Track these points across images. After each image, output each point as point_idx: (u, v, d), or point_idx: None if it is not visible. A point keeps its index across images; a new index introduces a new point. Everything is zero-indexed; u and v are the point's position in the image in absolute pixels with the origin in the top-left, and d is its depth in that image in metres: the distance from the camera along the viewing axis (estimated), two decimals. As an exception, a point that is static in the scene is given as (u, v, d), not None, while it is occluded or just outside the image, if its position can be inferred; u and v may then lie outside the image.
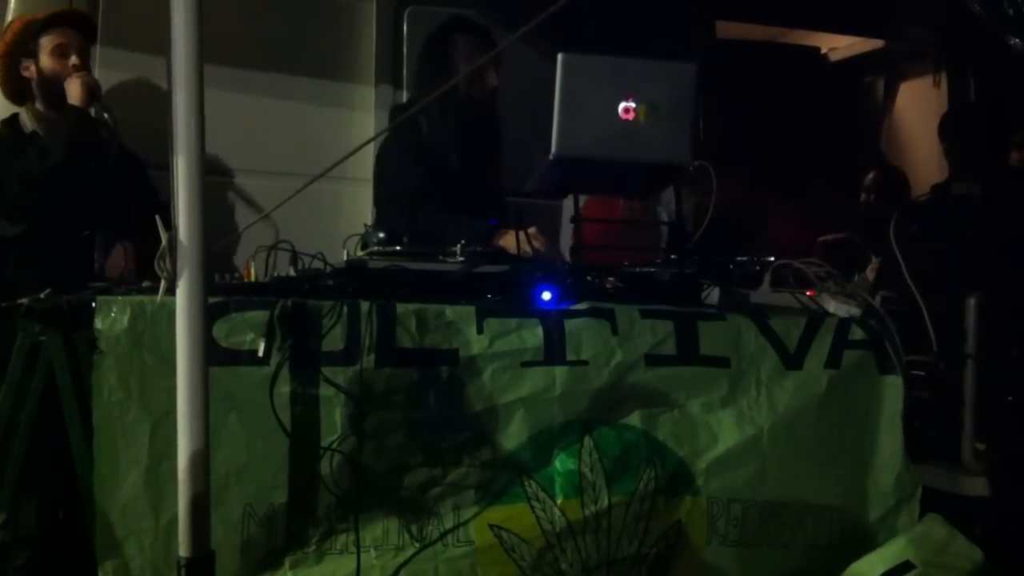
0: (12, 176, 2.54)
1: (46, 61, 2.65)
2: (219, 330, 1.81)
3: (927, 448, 2.24)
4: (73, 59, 2.64)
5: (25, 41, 2.66)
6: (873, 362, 2.15)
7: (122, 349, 1.78)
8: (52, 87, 2.65)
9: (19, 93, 2.72)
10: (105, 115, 2.61)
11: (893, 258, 2.27)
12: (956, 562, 1.96)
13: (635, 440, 2.01)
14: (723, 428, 2.06)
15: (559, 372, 1.97)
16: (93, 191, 2.48)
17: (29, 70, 2.68)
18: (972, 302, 2.27)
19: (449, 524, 1.92)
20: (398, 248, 2.06)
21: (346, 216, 3.09)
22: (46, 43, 2.65)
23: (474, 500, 1.94)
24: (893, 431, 2.13)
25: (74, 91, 2.60)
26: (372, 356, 1.88)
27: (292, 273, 2.02)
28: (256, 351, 1.82)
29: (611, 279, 2.18)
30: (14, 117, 2.71)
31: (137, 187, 2.69)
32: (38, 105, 2.70)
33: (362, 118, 3.24)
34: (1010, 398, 2.47)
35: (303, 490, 1.85)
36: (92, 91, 2.62)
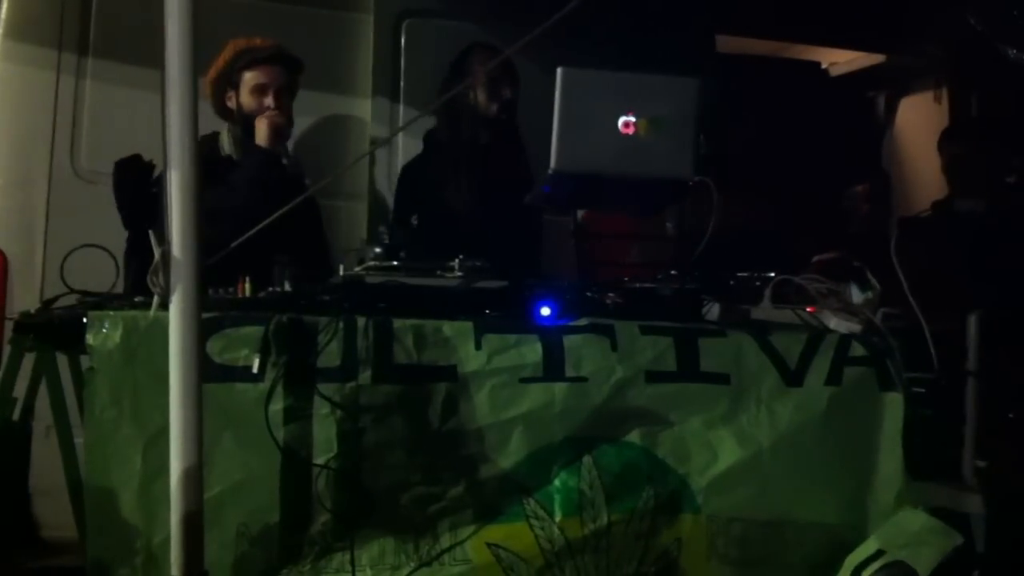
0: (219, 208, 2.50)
1: (245, 98, 2.69)
2: (213, 346, 1.79)
3: (928, 466, 2.22)
4: (268, 99, 2.67)
5: (230, 72, 2.69)
6: (874, 379, 2.14)
7: (114, 365, 1.76)
8: (247, 123, 2.69)
9: (225, 112, 2.75)
10: (284, 158, 2.64)
11: (894, 275, 2.26)
12: (929, 541, 1.99)
13: (635, 457, 2.00)
14: (723, 446, 2.04)
15: (558, 389, 1.96)
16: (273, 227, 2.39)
17: (231, 100, 2.72)
18: (973, 319, 2.25)
19: (447, 543, 1.90)
20: (395, 263, 2.04)
21: (343, 231, 3.07)
22: (247, 80, 2.69)
23: (472, 518, 1.92)
24: (894, 448, 2.12)
25: (261, 131, 2.64)
26: (369, 372, 1.87)
27: (288, 288, 2.00)
28: (251, 367, 1.80)
29: (611, 295, 2.16)
30: (215, 135, 2.73)
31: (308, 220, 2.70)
32: (237, 130, 2.72)
33: (359, 131, 3.23)
34: (1010, 415, 2.45)
35: (298, 508, 1.83)
36: (278, 131, 2.66)
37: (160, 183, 2.58)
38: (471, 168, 2.73)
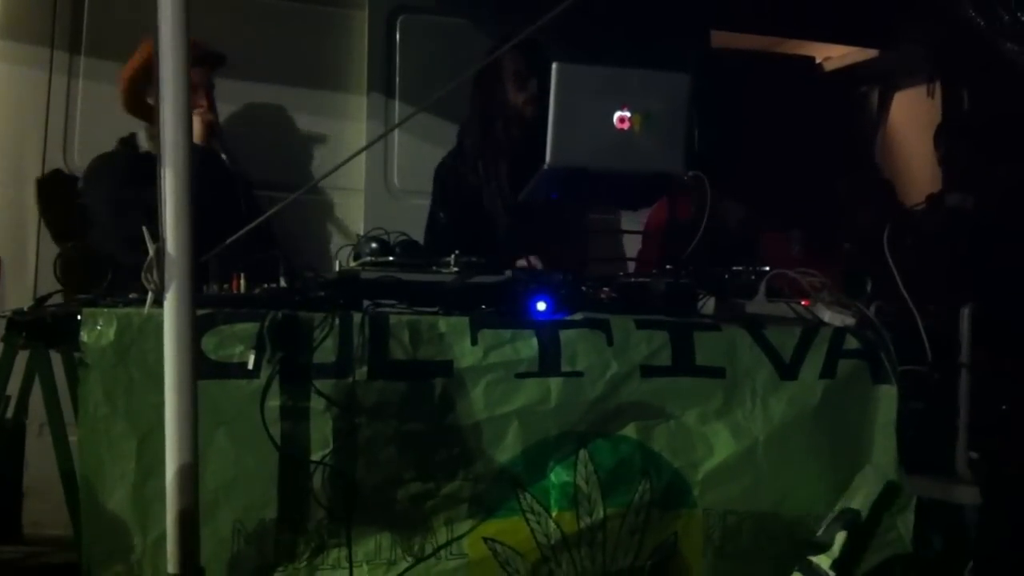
0: (137, 205, 2.50)
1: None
2: (208, 343, 1.78)
3: (921, 458, 2.23)
4: (199, 98, 2.66)
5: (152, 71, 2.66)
6: (867, 372, 2.14)
7: (108, 362, 1.75)
8: None
9: (141, 111, 2.72)
10: (223, 154, 2.62)
11: (887, 269, 2.27)
12: (864, 484, 2.10)
13: (630, 452, 2.00)
14: (718, 439, 2.05)
15: (554, 384, 1.96)
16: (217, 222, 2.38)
17: (154, 98, 2.68)
18: (966, 312, 2.26)
19: (442, 538, 1.90)
20: (391, 258, 2.04)
21: (338, 226, 3.07)
22: None
23: (468, 514, 1.92)
24: (887, 441, 2.13)
25: (196, 129, 2.63)
26: (364, 368, 1.86)
27: (283, 284, 1.99)
28: (246, 364, 1.79)
29: (606, 289, 2.17)
30: (131, 138, 2.72)
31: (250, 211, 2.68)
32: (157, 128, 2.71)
33: (354, 128, 3.22)
34: (1004, 407, 2.46)
35: (294, 505, 1.83)
36: (211, 129, 2.66)
37: (83, 194, 2.61)
38: (505, 164, 2.71)
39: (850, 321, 2.15)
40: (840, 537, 2.00)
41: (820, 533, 2.04)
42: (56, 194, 2.53)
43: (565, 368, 1.96)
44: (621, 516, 1.97)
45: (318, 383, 1.84)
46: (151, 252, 1.57)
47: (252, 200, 2.77)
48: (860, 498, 2.06)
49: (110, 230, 2.49)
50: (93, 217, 2.55)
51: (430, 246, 2.63)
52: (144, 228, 1.59)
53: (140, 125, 2.72)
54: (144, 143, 2.70)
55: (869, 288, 2.27)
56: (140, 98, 2.71)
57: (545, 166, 2.07)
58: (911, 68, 4.07)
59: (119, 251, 2.36)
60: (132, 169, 2.62)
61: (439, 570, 1.89)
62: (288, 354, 1.82)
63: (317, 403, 1.84)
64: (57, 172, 2.54)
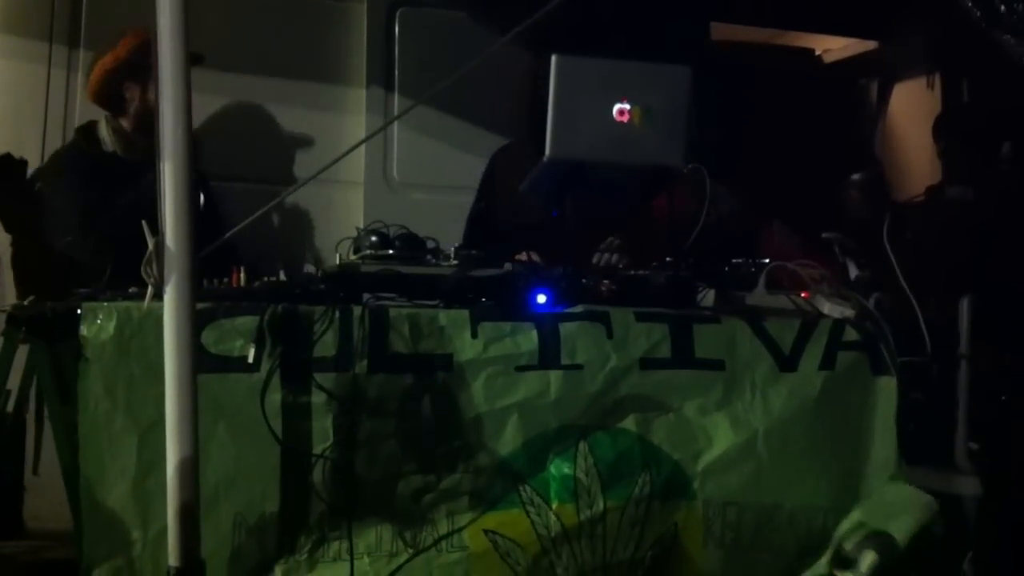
0: (106, 208, 2.43)
1: (155, 96, 2.62)
2: (208, 337, 1.79)
3: (921, 449, 2.23)
4: None
5: (138, 65, 2.54)
6: (867, 363, 2.15)
7: (108, 357, 1.76)
8: (147, 120, 2.49)
9: (108, 102, 2.66)
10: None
11: (887, 261, 2.27)
12: (907, 509, 2.04)
13: (630, 445, 2.01)
14: (718, 431, 2.05)
15: (554, 377, 1.96)
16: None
17: (131, 92, 2.62)
18: (965, 304, 2.27)
19: (443, 530, 1.91)
20: (391, 252, 2.04)
21: (338, 219, 3.07)
22: None
23: (468, 506, 1.93)
24: (887, 432, 2.14)
25: None
26: (365, 362, 1.87)
27: (283, 277, 1.99)
28: (246, 358, 1.80)
29: (606, 282, 2.17)
30: (91, 127, 2.67)
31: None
32: (123, 123, 2.65)
33: (353, 121, 3.22)
34: (1003, 397, 2.47)
35: (295, 499, 1.84)
36: (196, 136, 2.59)
37: (36, 182, 2.57)
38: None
39: (849, 313, 2.15)
40: (869, 557, 1.96)
41: (849, 548, 2.00)
42: (6, 180, 2.44)
43: (565, 361, 1.97)
44: (621, 508, 1.97)
45: (318, 377, 1.84)
46: (150, 246, 1.57)
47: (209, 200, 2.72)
48: (898, 524, 1.99)
49: (77, 232, 2.42)
50: (54, 214, 2.49)
51: (466, 235, 2.64)
52: (144, 223, 1.58)
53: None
54: (106, 136, 2.66)
55: (853, 276, 2.27)
56: (114, 89, 2.64)
57: (544, 158, 2.07)
58: (911, 60, 4.06)
59: (90, 253, 2.31)
60: (97, 170, 2.57)
61: (440, 562, 1.90)
62: (288, 348, 1.83)
63: (318, 397, 1.85)
64: (7, 156, 2.46)
